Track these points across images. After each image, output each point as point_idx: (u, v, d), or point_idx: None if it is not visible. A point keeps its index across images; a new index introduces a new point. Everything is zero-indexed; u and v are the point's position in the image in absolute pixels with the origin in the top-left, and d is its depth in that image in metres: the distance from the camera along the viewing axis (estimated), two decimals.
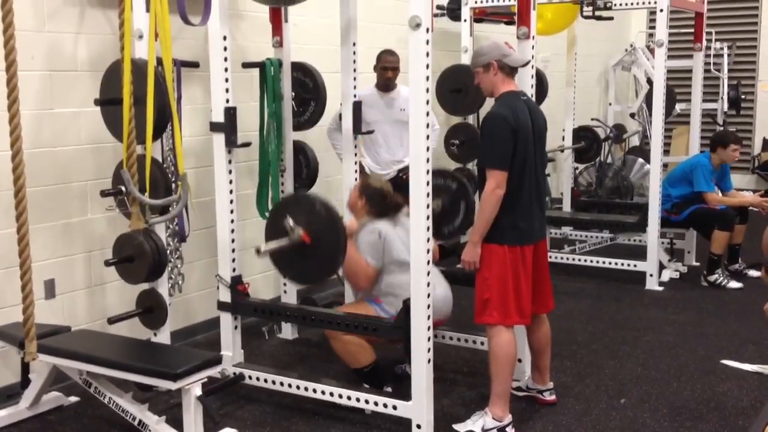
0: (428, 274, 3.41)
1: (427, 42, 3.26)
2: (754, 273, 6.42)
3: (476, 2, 6.42)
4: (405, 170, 5.28)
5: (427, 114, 3.32)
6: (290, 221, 3.74)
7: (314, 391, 3.88)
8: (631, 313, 5.62)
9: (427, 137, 3.34)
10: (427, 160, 3.34)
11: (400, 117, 5.27)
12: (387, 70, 5.35)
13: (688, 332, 5.16)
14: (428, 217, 3.37)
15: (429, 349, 3.46)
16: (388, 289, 3.96)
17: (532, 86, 4.02)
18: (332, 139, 5.46)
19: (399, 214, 4.11)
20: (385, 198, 4.10)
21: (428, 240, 3.38)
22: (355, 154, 4.65)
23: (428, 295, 3.42)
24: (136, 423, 3.60)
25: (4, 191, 3.84)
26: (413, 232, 3.39)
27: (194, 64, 4.54)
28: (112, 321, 4.03)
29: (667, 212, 6.39)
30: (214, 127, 4.00)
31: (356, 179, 4.68)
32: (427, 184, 3.35)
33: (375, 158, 5.48)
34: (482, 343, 4.32)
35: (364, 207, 4.11)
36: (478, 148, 3.80)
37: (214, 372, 3.62)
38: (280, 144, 4.72)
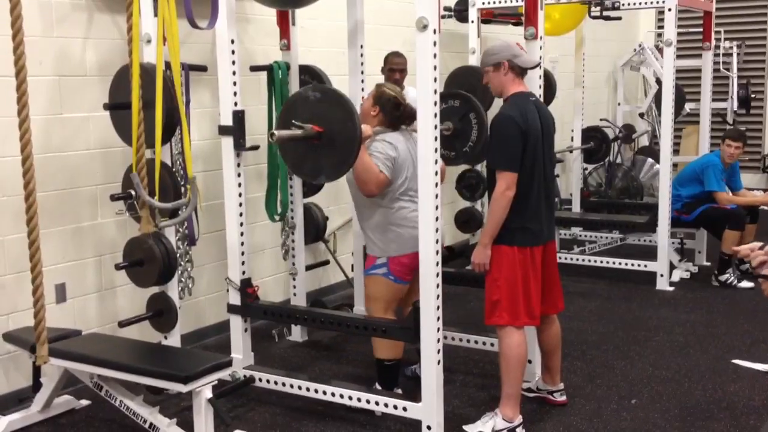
0: (438, 275, 3.41)
1: (435, 44, 3.26)
2: (765, 272, 6.38)
3: (483, 3, 6.42)
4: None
5: (436, 116, 3.32)
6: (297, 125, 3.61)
7: (324, 393, 3.89)
8: (641, 313, 5.60)
9: (436, 139, 3.34)
10: (435, 162, 3.34)
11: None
12: (394, 71, 5.35)
13: (698, 332, 5.15)
14: (437, 219, 3.37)
15: (439, 351, 3.46)
16: (396, 222, 3.85)
17: (540, 87, 4.02)
18: None
19: (411, 128, 3.93)
20: (399, 106, 3.94)
21: (437, 241, 3.38)
22: None
23: (438, 297, 3.42)
24: (147, 426, 3.61)
25: (14, 196, 3.86)
26: (422, 238, 3.39)
27: (202, 68, 4.55)
28: (122, 324, 4.05)
29: (678, 212, 6.38)
30: (223, 130, 4.01)
31: None
32: (436, 185, 3.35)
33: None
34: (492, 345, 4.31)
35: (377, 116, 3.94)
36: (488, 149, 3.80)
37: (224, 375, 3.62)
38: None
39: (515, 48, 3.69)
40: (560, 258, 5.60)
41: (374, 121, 3.93)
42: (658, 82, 7.71)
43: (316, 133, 3.59)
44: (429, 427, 3.51)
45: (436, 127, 3.33)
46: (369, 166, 3.77)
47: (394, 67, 5.35)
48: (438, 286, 3.42)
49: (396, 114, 3.93)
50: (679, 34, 6.19)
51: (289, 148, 3.77)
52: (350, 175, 3.85)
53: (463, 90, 5.75)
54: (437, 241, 3.38)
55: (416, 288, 3.55)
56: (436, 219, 3.37)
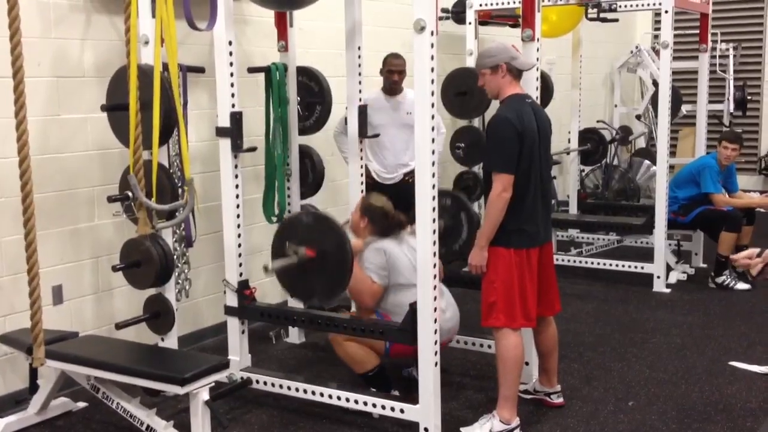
0: (435, 277, 3.41)
1: (432, 45, 3.26)
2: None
3: (481, 5, 6.43)
4: (411, 174, 5.27)
5: (432, 117, 3.33)
6: (293, 247, 3.81)
7: (321, 395, 3.89)
8: (638, 315, 5.61)
9: (433, 140, 3.34)
10: (433, 163, 3.35)
11: (407, 120, 5.26)
12: (393, 73, 5.35)
13: (695, 334, 5.15)
14: (434, 220, 3.37)
15: (436, 353, 3.46)
16: (394, 308, 3.93)
17: (537, 89, 4.02)
18: (338, 142, 5.47)
19: (403, 233, 4.09)
20: (387, 217, 4.08)
21: (435, 243, 3.38)
22: (361, 158, 4.66)
23: (435, 298, 3.42)
24: (143, 428, 3.61)
25: (11, 197, 3.85)
26: (420, 233, 3.39)
27: (200, 69, 4.55)
28: (119, 326, 4.04)
29: (674, 214, 6.38)
30: (220, 131, 4.01)
31: (362, 183, 4.68)
32: (433, 187, 3.35)
33: (381, 162, 5.49)
34: (489, 347, 4.32)
35: (366, 227, 4.09)
36: (484, 151, 3.80)
37: (221, 376, 3.62)
38: (285, 148, 4.73)
39: (512, 50, 3.69)
40: (557, 260, 5.61)
41: (365, 232, 4.10)
42: (655, 83, 7.71)
43: (309, 258, 3.77)
44: (426, 429, 3.51)
45: (432, 129, 3.33)
46: (363, 280, 3.92)
47: (393, 68, 5.35)
48: (435, 287, 3.42)
49: (385, 223, 4.07)
50: (675, 36, 6.19)
51: (287, 275, 3.93)
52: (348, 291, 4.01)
53: (461, 91, 5.80)
54: (434, 243, 3.38)
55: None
56: (434, 221, 3.37)
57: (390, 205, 4.14)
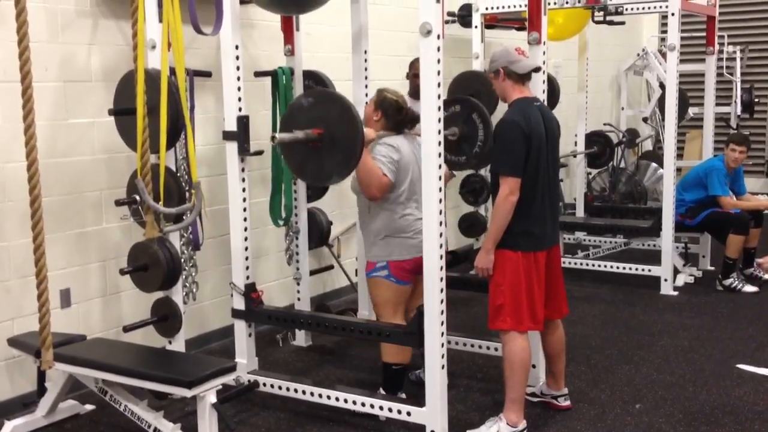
0: (442, 280, 3.41)
1: (438, 49, 3.27)
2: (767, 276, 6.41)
3: (487, 9, 6.43)
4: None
5: (439, 121, 3.33)
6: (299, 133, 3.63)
7: (328, 397, 3.89)
8: (645, 317, 5.60)
9: (440, 144, 3.34)
10: (439, 167, 3.35)
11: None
12: (418, 77, 5.34)
13: (703, 337, 5.14)
14: (441, 223, 3.37)
15: (443, 355, 3.46)
16: (399, 228, 3.86)
17: (543, 91, 4.02)
18: None
19: (414, 131, 3.95)
20: (401, 110, 3.96)
21: (441, 246, 3.38)
22: None
23: (441, 301, 3.42)
24: (151, 431, 3.62)
25: (19, 201, 3.87)
26: (426, 241, 3.39)
27: (207, 74, 4.57)
28: (127, 329, 4.06)
29: (682, 216, 6.37)
30: (227, 135, 4.02)
31: None
32: (440, 190, 3.35)
33: None
34: (496, 349, 4.31)
35: (380, 120, 3.96)
36: (491, 154, 3.80)
37: (228, 379, 3.63)
38: None
39: (512, 54, 3.69)
40: (564, 262, 5.60)
41: (377, 125, 3.94)
42: (662, 86, 7.72)
43: (317, 135, 3.61)
44: None
45: (439, 132, 3.34)
46: (372, 169, 3.78)
47: (419, 72, 5.33)
48: (442, 290, 3.42)
49: (398, 118, 3.95)
50: (682, 38, 6.18)
51: (293, 152, 3.78)
52: (354, 182, 3.87)
53: (467, 95, 5.79)
54: (441, 246, 3.38)
55: (420, 292, 3.56)
56: (440, 224, 3.37)
57: (404, 100, 4.03)
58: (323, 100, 3.72)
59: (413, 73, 5.38)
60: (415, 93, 5.37)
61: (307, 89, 4.85)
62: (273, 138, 3.61)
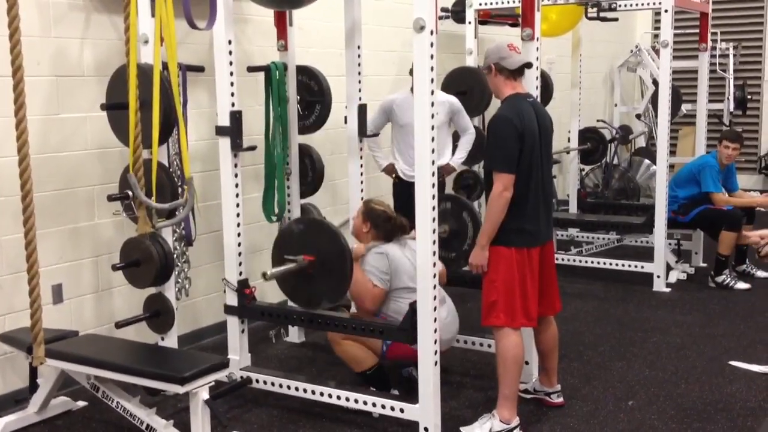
0: (435, 276, 3.41)
1: (432, 44, 3.26)
2: (762, 274, 6.41)
3: (480, 4, 6.43)
4: (438, 171, 5.30)
5: (432, 116, 3.33)
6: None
7: (321, 394, 3.88)
8: (638, 314, 5.61)
9: (432, 139, 3.34)
10: (433, 162, 3.35)
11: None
12: None
13: (695, 333, 5.15)
14: (434, 219, 3.37)
15: (436, 352, 3.46)
16: (395, 315, 3.92)
17: (537, 88, 4.02)
18: (368, 141, 5.52)
19: (405, 237, 4.09)
20: (389, 220, 4.08)
21: (434, 242, 3.38)
22: (361, 157, 4.66)
23: (434, 298, 3.42)
24: (143, 427, 3.61)
25: (11, 196, 3.85)
26: (420, 234, 3.39)
27: (199, 69, 4.55)
28: (119, 325, 4.04)
29: (674, 213, 6.38)
30: (220, 131, 4.01)
31: (362, 182, 4.68)
32: (433, 185, 3.35)
33: (407, 161, 5.45)
34: (489, 346, 4.32)
35: (369, 232, 4.09)
36: (485, 150, 3.81)
37: (221, 376, 3.62)
38: (285, 147, 4.73)
39: (503, 50, 3.68)
40: (557, 259, 5.60)
41: (367, 237, 4.09)
42: (655, 83, 7.71)
43: (308, 262, 3.80)
44: (426, 429, 3.50)
45: (432, 128, 3.33)
46: (364, 284, 3.92)
47: None
48: (435, 287, 3.42)
49: (387, 227, 4.07)
50: (675, 35, 6.19)
51: (287, 281, 3.96)
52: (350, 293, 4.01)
53: (460, 90, 5.79)
54: (434, 242, 3.38)
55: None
56: (433, 220, 3.37)
57: (392, 210, 4.15)
58: (311, 227, 3.94)
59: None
60: None
61: (301, 85, 4.84)
62: (264, 275, 3.79)
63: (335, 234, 3.83)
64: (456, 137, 5.55)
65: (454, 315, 4.09)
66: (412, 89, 5.34)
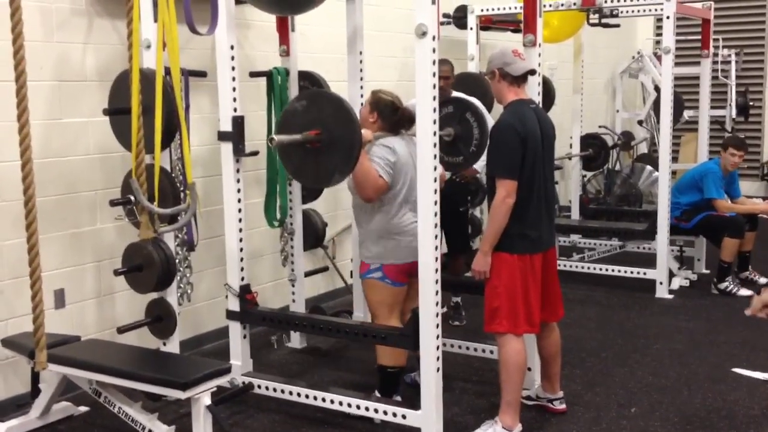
0: (437, 282, 3.40)
1: (434, 50, 3.27)
2: (763, 280, 6.40)
3: (482, 10, 6.43)
4: (458, 173, 5.30)
5: (435, 122, 3.32)
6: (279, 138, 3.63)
7: (323, 400, 3.88)
8: (640, 321, 5.60)
9: (435, 145, 3.34)
10: (435, 168, 3.34)
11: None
12: (439, 79, 5.34)
13: (698, 340, 5.14)
14: (436, 225, 3.37)
15: (438, 358, 3.45)
16: (394, 230, 3.85)
17: (539, 94, 4.02)
18: None
19: (411, 132, 3.92)
20: (397, 111, 3.94)
21: (436, 248, 3.38)
22: None
23: (437, 303, 3.41)
24: None
25: (13, 201, 3.85)
26: (421, 242, 3.39)
27: (202, 74, 4.55)
28: (121, 330, 4.04)
29: (677, 219, 6.37)
30: (222, 136, 4.01)
31: None
32: (435, 192, 3.35)
33: None
34: (492, 352, 4.31)
35: (376, 122, 3.95)
36: (487, 156, 3.80)
37: (223, 381, 3.62)
38: None
39: (508, 56, 3.68)
40: (559, 265, 5.59)
41: (374, 127, 3.94)
42: (657, 89, 7.72)
43: (314, 135, 3.58)
44: None
45: (435, 133, 3.33)
46: (368, 171, 3.77)
47: (440, 74, 5.33)
48: (437, 293, 3.41)
49: (394, 118, 3.93)
50: (677, 41, 6.19)
51: (291, 155, 3.75)
52: (350, 181, 3.86)
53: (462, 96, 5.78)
54: (436, 248, 3.38)
55: (415, 294, 3.55)
56: (435, 226, 3.37)
57: (400, 100, 4.01)
58: (317, 100, 3.70)
59: None
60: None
61: (302, 90, 4.84)
62: (271, 140, 3.61)
63: (340, 102, 3.63)
64: None
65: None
66: None
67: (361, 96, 4.55)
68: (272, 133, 4.67)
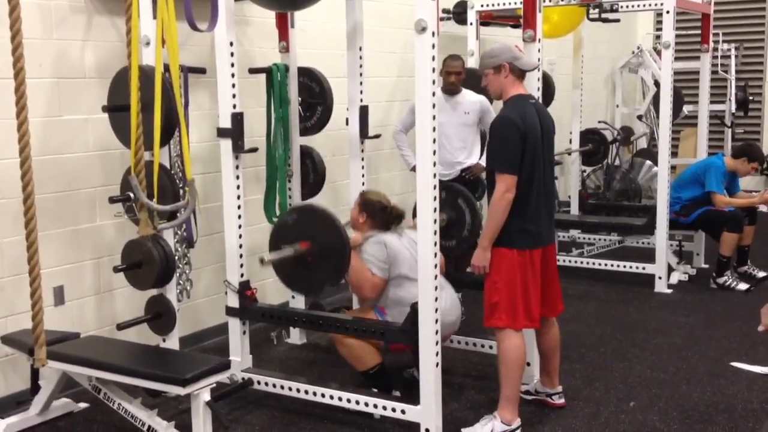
0: (436, 277, 3.41)
1: (433, 46, 3.26)
2: (762, 274, 6.41)
3: (482, 6, 6.43)
4: (467, 170, 5.46)
5: (434, 118, 3.33)
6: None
7: (323, 395, 3.89)
8: (639, 315, 5.60)
9: (434, 141, 3.34)
10: (434, 164, 3.35)
11: (464, 120, 5.42)
12: (450, 74, 5.40)
13: (697, 334, 5.15)
14: (435, 221, 3.37)
15: (437, 353, 3.46)
16: (395, 301, 3.95)
17: (538, 89, 4.02)
18: (398, 141, 5.62)
19: (403, 226, 4.11)
20: (385, 209, 4.09)
21: (435, 244, 3.38)
22: (362, 159, 4.66)
23: (436, 299, 3.42)
24: (145, 429, 3.61)
25: (13, 198, 3.85)
26: (421, 233, 3.39)
27: (201, 70, 4.55)
28: (121, 327, 4.04)
29: (676, 214, 6.38)
30: (222, 132, 4.01)
31: (363, 184, 4.68)
32: (435, 187, 3.35)
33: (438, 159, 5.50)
34: (491, 347, 4.31)
35: (366, 222, 4.11)
36: (487, 151, 3.80)
37: (222, 377, 3.62)
38: (287, 149, 4.73)
39: (515, 50, 3.69)
40: (558, 260, 5.60)
41: (364, 227, 4.11)
42: (657, 84, 7.71)
43: (305, 249, 3.79)
44: (428, 430, 3.51)
45: (434, 129, 3.33)
46: (362, 271, 3.92)
47: (450, 70, 5.40)
48: (436, 288, 3.42)
49: (384, 217, 4.08)
50: (677, 36, 6.19)
51: (285, 269, 3.95)
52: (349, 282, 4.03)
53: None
54: (435, 243, 3.38)
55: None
56: (435, 221, 3.37)
57: (387, 199, 4.15)
58: (306, 215, 3.90)
59: (445, 71, 5.41)
60: (448, 90, 5.42)
61: (303, 86, 4.84)
62: (262, 261, 3.80)
63: (328, 216, 3.81)
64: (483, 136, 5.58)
65: (454, 301, 4.07)
66: (442, 89, 5.40)
67: (361, 93, 4.55)
68: (272, 129, 4.69)
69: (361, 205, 4.14)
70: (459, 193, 4.51)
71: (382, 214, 4.08)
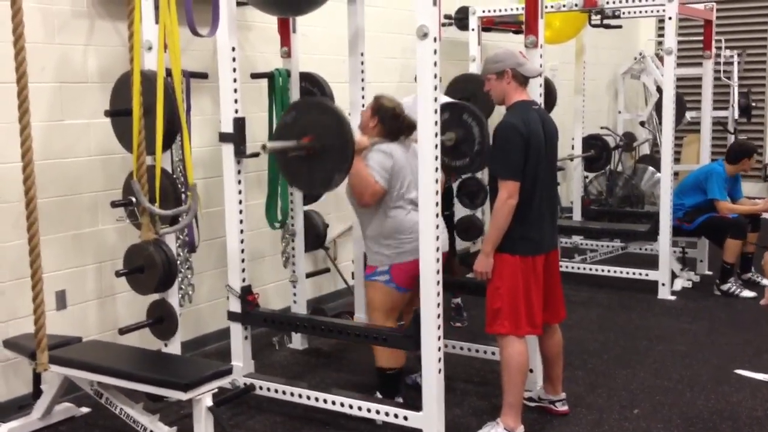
0: (438, 283, 3.40)
1: (435, 51, 3.26)
2: (765, 281, 6.39)
3: (484, 11, 6.43)
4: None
5: (436, 123, 3.32)
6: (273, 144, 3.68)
7: (325, 401, 3.87)
8: (642, 322, 5.59)
9: (436, 146, 3.33)
10: (436, 170, 3.34)
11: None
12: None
13: (700, 342, 5.13)
14: (437, 226, 3.37)
15: (440, 359, 3.45)
16: (395, 229, 3.85)
17: (540, 95, 4.01)
18: None
19: (411, 138, 3.94)
20: (397, 118, 3.94)
21: (438, 249, 3.38)
22: None
23: (438, 305, 3.41)
24: None
25: (15, 202, 3.85)
26: (423, 246, 3.38)
27: (203, 75, 4.56)
28: (123, 331, 4.04)
29: (679, 221, 6.36)
30: (223, 137, 4.01)
31: None
32: (436, 194, 3.35)
33: None
34: (494, 353, 4.30)
35: (376, 127, 3.94)
36: (490, 157, 3.79)
37: (224, 382, 3.61)
38: None
39: (519, 56, 3.68)
40: (561, 266, 5.59)
41: (373, 132, 3.94)
42: (659, 90, 7.72)
43: (307, 142, 3.63)
44: None
45: (436, 135, 3.33)
46: (365, 177, 3.78)
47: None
48: (439, 294, 3.41)
49: (395, 125, 3.93)
50: (679, 42, 6.18)
51: (286, 162, 3.81)
52: (348, 188, 3.88)
53: (463, 97, 5.78)
54: (438, 249, 3.38)
55: (416, 297, 3.55)
56: (437, 227, 3.36)
57: (401, 107, 4.00)
58: (308, 109, 3.74)
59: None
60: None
61: (304, 92, 4.84)
62: (264, 147, 3.65)
63: (330, 108, 3.67)
64: None
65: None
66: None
67: (363, 98, 4.55)
68: (272, 139, 4.69)
69: (374, 109, 3.97)
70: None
71: (393, 122, 3.92)
